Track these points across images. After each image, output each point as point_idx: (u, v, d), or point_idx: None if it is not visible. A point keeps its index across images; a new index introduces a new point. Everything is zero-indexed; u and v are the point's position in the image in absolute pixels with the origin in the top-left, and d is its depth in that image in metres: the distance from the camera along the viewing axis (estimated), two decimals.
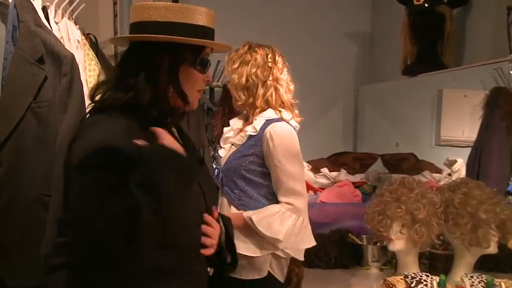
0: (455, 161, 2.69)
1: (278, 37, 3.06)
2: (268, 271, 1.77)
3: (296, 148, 1.79)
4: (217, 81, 3.36)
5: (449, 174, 2.70)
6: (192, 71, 1.25)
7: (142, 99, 1.18)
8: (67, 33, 2.06)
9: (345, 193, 2.58)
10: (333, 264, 2.20)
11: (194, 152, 1.39)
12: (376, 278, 2.10)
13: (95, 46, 2.24)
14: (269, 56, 1.81)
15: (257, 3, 3.82)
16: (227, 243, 1.34)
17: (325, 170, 2.80)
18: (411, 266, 1.93)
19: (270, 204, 1.78)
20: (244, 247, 1.71)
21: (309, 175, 2.73)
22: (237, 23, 3.42)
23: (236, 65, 1.82)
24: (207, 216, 1.25)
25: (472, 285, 1.71)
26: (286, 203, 1.75)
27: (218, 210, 1.37)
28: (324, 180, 2.77)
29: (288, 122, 1.80)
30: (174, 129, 1.32)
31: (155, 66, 1.21)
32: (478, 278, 1.74)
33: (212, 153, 2.91)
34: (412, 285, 1.69)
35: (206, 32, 1.25)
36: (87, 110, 1.28)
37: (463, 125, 2.69)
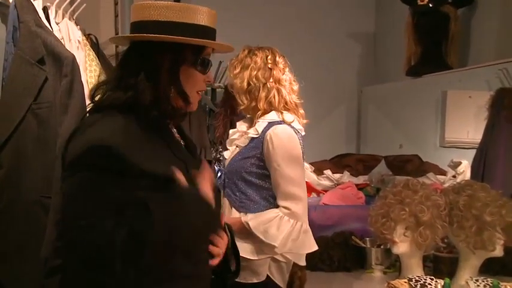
0: (460, 163, 2.67)
1: (280, 37, 3.06)
2: (268, 275, 1.76)
3: (296, 151, 1.77)
4: (219, 82, 3.34)
5: (454, 176, 2.68)
6: (192, 71, 1.24)
7: (143, 99, 1.17)
8: (68, 34, 2.05)
9: (348, 195, 2.57)
10: (336, 267, 2.19)
11: (195, 153, 1.37)
12: (380, 281, 2.09)
13: (95, 47, 2.23)
14: (269, 57, 1.81)
15: (259, 3, 3.80)
16: (232, 252, 1.33)
17: (328, 172, 2.78)
18: (415, 269, 1.92)
19: (270, 207, 1.77)
20: (242, 249, 1.69)
21: (312, 177, 2.72)
22: (238, 22, 3.40)
23: (237, 70, 1.83)
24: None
25: None
26: (284, 207, 1.74)
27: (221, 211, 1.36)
28: (326, 182, 2.75)
29: (289, 124, 1.78)
30: (174, 130, 1.31)
31: (155, 66, 1.20)
32: (484, 281, 1.74)
33: (214, 154, 2.90)
34: None
35: (207, 32, 1.23)
36: (87, 110, 1.27)
37: (468, 126, 2.67)
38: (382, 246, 2.19)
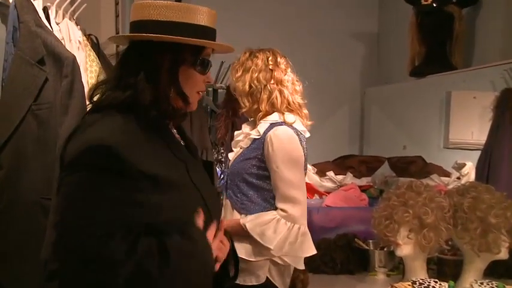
0: (464, 164, 2.65)
1: (281, 38, 3.05)
2: (268, 278, 1.75)
3: (296, 153, 1.75)
4: (221, 83, 3.33)
5: (458, 178, 2.66)
6: (192, 71, 1.23)
7: (142, 99, 1.16)
8: (68, 34, 2.04)
9: (351, 197, 2.55)
10: (338, 270, 2.17)
11: (196, 154, 1.36)
12: (383, 283, 2.08)
13: (96, 47, 2.23)
14: (270, 58, 1.81)
15: (259, 3, 3.78)
16: (232, 257, 1.32)
17: (330, 174, 2.77)
18: (419, 271, 1.90)
19: (271, 209, 1.76)
20: (240, 250, 1.68)
21: (315, 178, 2.71)
22: (238, 22, 3.38)
23: (239, 73, 1.83)
24: (219, 232, 1.23)
25: None
26: (281, 209, 1.73)
27: (221, 214, 1.35)
28: (329, 184, 2.74)
29: (291, 125, 1.77)
30: (174, 131, 1.29)
31: (155, 65, 1.19)
32: (488, 284, 1.73)
33: (216, 156, 2.88)
34: None
35: (207, 32, 1.22)
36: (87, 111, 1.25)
37: (472, 127, 2.64)
38: (385, 249, 2.16)
